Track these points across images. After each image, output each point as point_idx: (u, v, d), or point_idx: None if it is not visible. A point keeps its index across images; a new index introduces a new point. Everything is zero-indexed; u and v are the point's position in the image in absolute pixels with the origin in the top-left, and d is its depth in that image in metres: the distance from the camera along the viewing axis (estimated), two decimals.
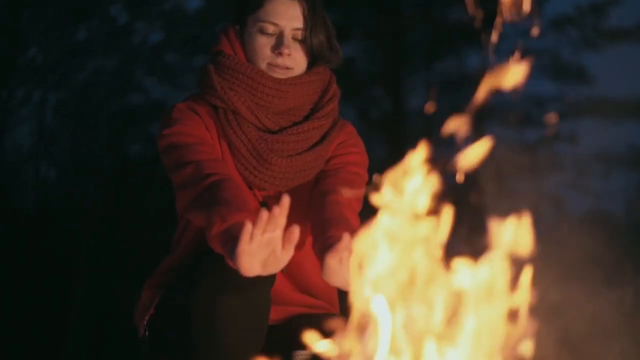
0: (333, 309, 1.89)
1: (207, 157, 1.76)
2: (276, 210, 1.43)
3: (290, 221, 1.47)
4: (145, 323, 1.80)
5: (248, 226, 1.43)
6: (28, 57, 9.56)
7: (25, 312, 8.95)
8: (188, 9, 10.27)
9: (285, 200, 1.44)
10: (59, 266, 9.31)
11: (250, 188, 1.84)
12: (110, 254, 9.37)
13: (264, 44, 1.84)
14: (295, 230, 1.45)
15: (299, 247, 1.82)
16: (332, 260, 1.54)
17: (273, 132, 1.83)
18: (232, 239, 1.50)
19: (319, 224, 1.71)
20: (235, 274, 1.53)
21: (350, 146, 1.91)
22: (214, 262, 1.61)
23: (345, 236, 1.52)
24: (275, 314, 1.78)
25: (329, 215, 1.71)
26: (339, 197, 1.77)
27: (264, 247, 1.46)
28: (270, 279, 1.64)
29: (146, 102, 10.18)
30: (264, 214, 1.43)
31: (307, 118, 1.86)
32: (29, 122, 9.73)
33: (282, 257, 1.48)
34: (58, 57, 9.53)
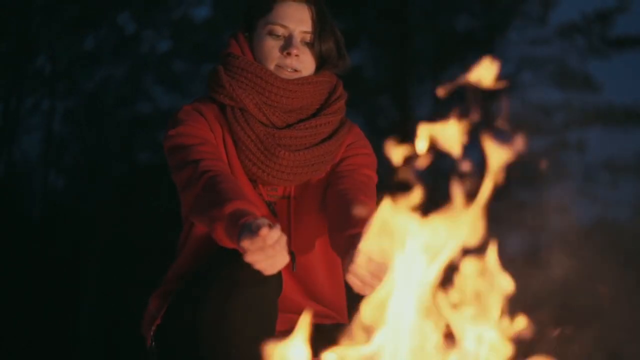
0: (342, 318, 1.88)
1: (205, 157, 1.76)
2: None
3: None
4: (152, 333, 1.80)
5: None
6: (37, 66, 9.60)
7: (34, 319, 8.96)
8: (196, 17, 10.31)
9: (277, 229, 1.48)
10: (67, 273, 9.33)
11: (256, 186, 1.84)
12: (118, 260, 9.38)
13: (272, 46, 1.85)
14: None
15: (309, 251, 1.82)
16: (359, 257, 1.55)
17: (280, 129, 1.84)
18: (236, 227, 1.53)
19: (343, 219, 1.71)
20: (242, 284, 1.54)
21: (360, 147, 1.92)
22: (220, 271, 1.63)
23: None
24: (284, 324, 1.77)
25: (355, 212, 1.71)
26: (362, 196, 1.78)
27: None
28: (277, 289, 1.65)
29: (154, 110, 10.20)
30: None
31: (314, 116, 1.87)
32: (38, 130, 9.76)
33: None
34: (67, 66, 9.56)
